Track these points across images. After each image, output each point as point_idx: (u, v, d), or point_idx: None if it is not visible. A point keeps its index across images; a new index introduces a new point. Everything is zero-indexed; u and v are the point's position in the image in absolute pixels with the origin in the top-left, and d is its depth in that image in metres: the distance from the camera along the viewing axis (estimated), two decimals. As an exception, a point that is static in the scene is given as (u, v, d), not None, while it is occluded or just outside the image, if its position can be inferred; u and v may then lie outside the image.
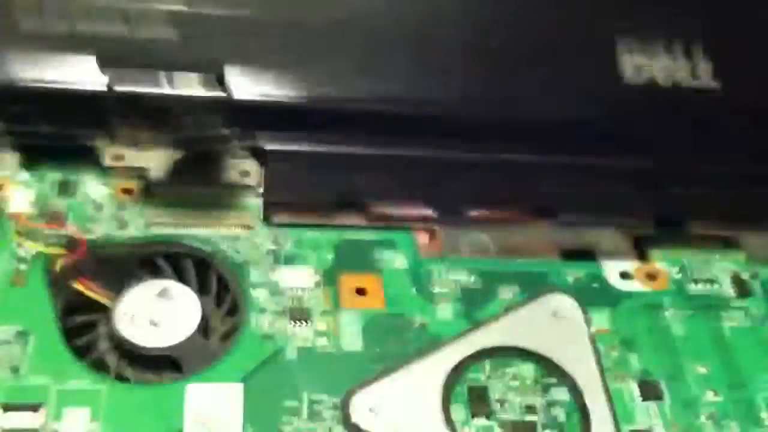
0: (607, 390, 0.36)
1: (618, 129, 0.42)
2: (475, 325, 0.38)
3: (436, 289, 0.40)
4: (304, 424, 0.34)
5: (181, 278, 0.40)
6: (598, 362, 0.37)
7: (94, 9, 0.42)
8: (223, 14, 0.42)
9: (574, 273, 0.41)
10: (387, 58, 0.43)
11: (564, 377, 0.37)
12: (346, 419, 0.34)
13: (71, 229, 0.40)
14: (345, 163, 0.43)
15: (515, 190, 0.42)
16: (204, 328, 0.38)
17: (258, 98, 0.43)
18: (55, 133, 0.43)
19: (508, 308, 0.39)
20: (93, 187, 0.42)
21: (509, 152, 0.42)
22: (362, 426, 0.34)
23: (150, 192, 0.42)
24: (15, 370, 0.35)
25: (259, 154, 0.43)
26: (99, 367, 0.37)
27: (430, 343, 0.37)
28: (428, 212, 0.43)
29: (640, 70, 0.42)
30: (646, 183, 0.42)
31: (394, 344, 0.37)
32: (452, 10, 0.43)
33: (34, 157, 0.43)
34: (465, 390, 0.36)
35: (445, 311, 0.39)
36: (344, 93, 0.42)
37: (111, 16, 0.42)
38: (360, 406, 0.35)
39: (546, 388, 0.37)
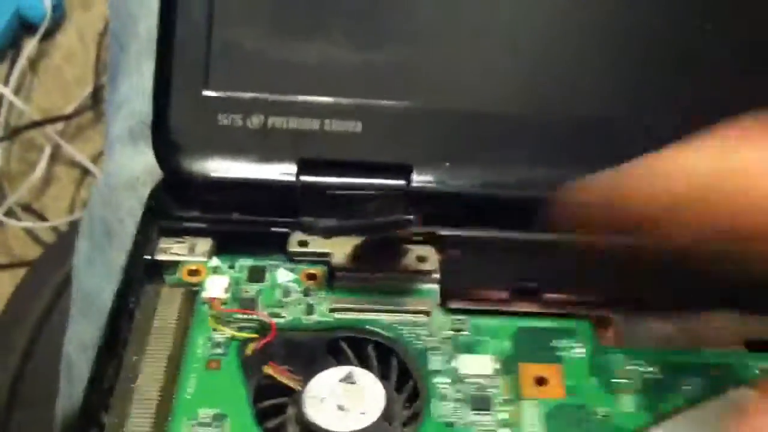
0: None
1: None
2: (658, 420, 0.38)
3: (617, 380, 0.39)
4: None
5: (363, 364, 0.41)
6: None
7: (286, 103, 0.45)
8: (406, 106, 0.45)
9: (761, 365, 0.40)
10: (556, 147, 0.44)
11: (756, 476, 0.36)
12: None
13: (261, 314, 0.42)
14: (520, 250, 0.43)
15: (696, 278, 0.42)
16: (388, 415, 0.39)
17: (437, 187, 0.44)
18: (247, 220, 0.46)
19: (693, 403, 0.38)
20: (280, 273, 0.44)
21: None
22: None
23: (332, 276, 0.44)
24: (210, 450, 0.37)
25: (435, 240, 0.45)
26: (289, 449, 0.38)
27: (613, 434, 0.37)
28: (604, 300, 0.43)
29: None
30: None
31: (577, 434, 0.37)
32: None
33: (225, 243, 0.46)
34: (652, 488, 0.36)
35: (628, 403, 0.39)
36: (521, 182, 0.43)
37: (302, 110, 0.45)
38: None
39: (737, 488, 0.36)
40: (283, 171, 0.45)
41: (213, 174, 0.46)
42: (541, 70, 0.45)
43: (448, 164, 0.45)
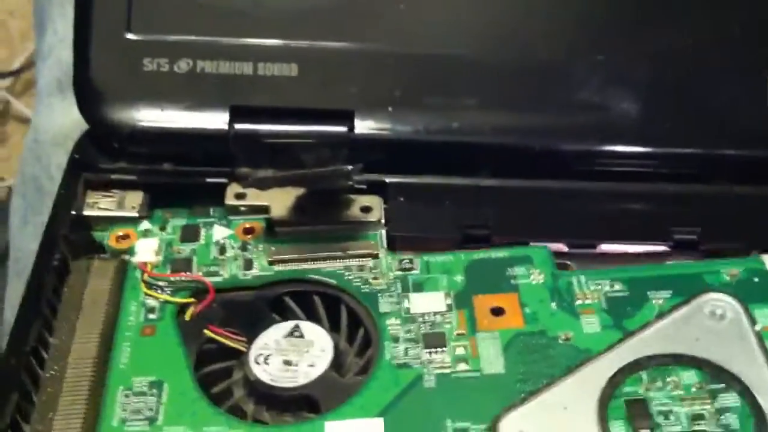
0: (784, 391, 0.33)
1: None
2: (627, 335, 0.35)
3: (579, 301, 0.37)
4: (450, 454, 0.32)
5: (311, 316, 0.39)
6: (768, 361, 0.34)
7: (216, 46, 0.42)
8: (346, 48, 0.42)
9: (731, 269, 0.38)
10: (512, 90, 0.41)
11: (733, 381, 0.33)
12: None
13: (197, 277, 0.40)
14: (470, 197, 0.41)
15: (654, 222, 0.39)
16: (338, 365, 0.36)
17: (380, 133, 0.42)
18: (179, 172, 0.43)
19: (661, 314, 0.36)
20: (216, 230, 0.42)
21: (647, 181, 0.40)
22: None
23: (272, 231, 0.42)
24: (152, 420, 0.34)
25: (380, 189, 0.42)
26: (236, 413, 0.35)
27: (578, 359, 0.35)
28: (559, 247, 0.40)
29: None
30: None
31: (539, 363, 0.35)
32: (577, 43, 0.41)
33: (157, 195, 0.43)
34: (622, 404, 0.33)
35: (593, 324, 0.36)
36: (467, 127, 0.41)
37: (233, 53, 0.42)
38: (510, 431, 0.32)
39: (714, 395, 0.33)
40: (214, 119, 0.42)
41: (140, 123, 0.43)
42: (486, 12, 0.42)
43: (391, 109, 0.42)
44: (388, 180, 0.42)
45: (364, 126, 0.42)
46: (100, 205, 0.43)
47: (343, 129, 0.42)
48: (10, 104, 0.70)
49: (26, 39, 0.74)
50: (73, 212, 0.42)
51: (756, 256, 0.38)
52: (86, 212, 0.42)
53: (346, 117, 0.42)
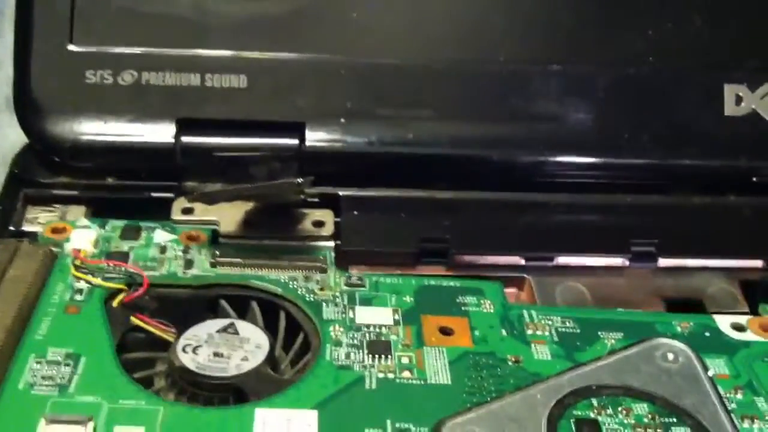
0: (736, 429, 0.31)
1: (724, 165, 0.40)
2: (579, 365, 0.34)
3: (530, 332, 0.36)
4: (389, 453, 0.30)
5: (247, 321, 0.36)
6: (722, 403, 0.32)
7: (162, 57, 0.42)
8: (296, 59, 0.42)
9: (682, 322, 0.37)
10: (468, 101, 0.41)
11: (687, 416, 0.32)
12: (438, 448, 0.30)
13: (132, 266, 0.37)
14: (426, 210, 0.40)
15: (610, 233, 0.39)
16: (273, 366, 0.34)
17: (332, 145, 0.41)
18: (123, 186, 0.42)
19: (614, 351, 0.35)
20: (157, 233, 0.40)
21: (603, 192, 0.40)
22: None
23: (218, 241, 0.40)
24: (63, 388, 0.31)
25: (333, 202, 0.41)
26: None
27: (528, 380, 0.33)
28: (516, 260, 0.39)
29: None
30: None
31: (487, 380, 0.33)
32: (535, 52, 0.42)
33: (101, 211, 0.41)
34: (572, 425, 0.31)
35: (543, 352, 0.35)
36: (423, 138, 0.41)
37: (180, 65, 0.41)
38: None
39: (667, 428, 0.32)
40: (160, 132, 0.41)
41: (82, 137, 0.41)
42: (441, 21, 0.43)
43: (343, 121, 0.41)
44: (341, 193, 0.41)
45: (315, 138, 0.41)
46: (39, 220, 0.41)
47: (294, 141, 0.41)
48: None
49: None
50: (11, 228, 0.40)
51: (708, 316, 0.38)
52: (25, 227, 0.41)
53: (296, 129, 0.41)
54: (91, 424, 0.29)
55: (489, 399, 0.32)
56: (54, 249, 0.38)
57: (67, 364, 0.32)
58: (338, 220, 0.40)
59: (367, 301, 0.36)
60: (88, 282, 0.36)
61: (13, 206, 0.41)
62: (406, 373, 0.33)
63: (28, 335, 0.33)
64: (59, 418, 0.29)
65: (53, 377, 0.31)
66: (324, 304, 0.36)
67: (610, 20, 0.43)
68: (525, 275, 0.39)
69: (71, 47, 0.42)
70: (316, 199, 0.41)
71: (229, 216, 0.41)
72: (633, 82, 0.42)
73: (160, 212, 0.41)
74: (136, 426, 0.30)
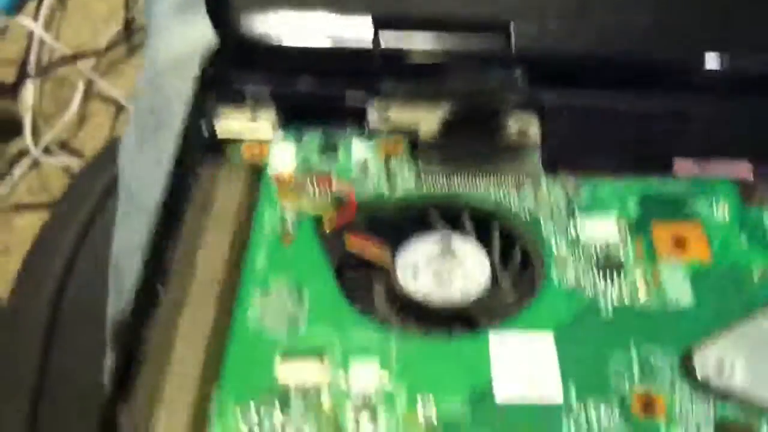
0: None
1: None
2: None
3: (775, 239, 0.33)
4: (637, 380, 0.28)
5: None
6: None
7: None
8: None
9: None
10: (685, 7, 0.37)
11: None
12: (689, 377, 0.28)
13: (338, 188, 0.36)
14: (641, 117, 0.37)
15: None
16: (495, 285, 0.33)
17: (540, 47, 0.38)
18: (318, 89, 0.40)
19: None
20: (357, 148, 0.38)
21: None
22: (714, 384, 0.27)
23: (418, 152, 0.38)
24: (293, 322, 0.31)
25: (539, 109, 0.38)
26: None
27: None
28: (746, 171, 0.36)
29: None
30: None
31: (733, 300, 0.31)
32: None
33: (294, 118, 0.40)
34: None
35: (793, 261, 0.32)
36: (636, 45, 0.37)
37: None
38: (708, 362, 0.28)
39: None
40: (358, 31, 0.39)
41: (276, 33, 0.39)
42: None
43: (554, 19, 0.38)
44: (547, 99, 0.38)
45: (521, 39, 0.38)
46: (232, 122, 0.40)
47: (497, 42, 0.38)
48: (94, 84, 0.68)
49: (110, 18, 0.73)
50: (204, 129, 0.39)
51: None
52: (217, 125, 0.39)
53: (500, 28, 0.38)
54: (327, 360, 0.29)
55: (738, 321, 0.29)
56: (254, 170, 0.37)
57: (293, 298, 0.31)
58: (545, 127, 0.38)
59: (587, 212, 0.34)
60: (296, 207, 0.35)
61: (204, 110, 0.40)
62: (643, 294, 0.31)
63: (247, 268, 0.33)
64: (295, 356, 0.29)
65: (280, 313, 0.31)
66: (541, 218, 0.34)
67: None
68: (757, 186, 0.35)
69: None
70: (521, 108, 0.38)
71: (427, 123, 0.39)
72: None
73: (353, 118, 0.39)
74: (371, 358, 0.29)
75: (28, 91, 0.67)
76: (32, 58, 0.69)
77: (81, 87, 0.69)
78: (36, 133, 0.66)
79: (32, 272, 0.44)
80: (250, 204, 0.36)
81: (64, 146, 0.67)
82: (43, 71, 0.70)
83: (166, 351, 0.30)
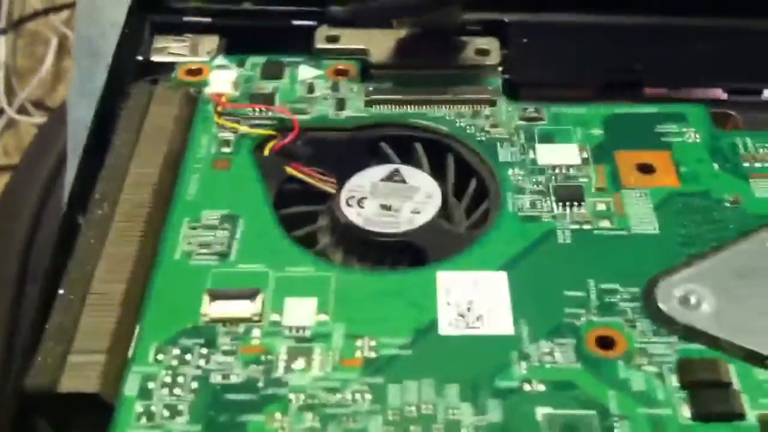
0: None
1: None
2: (810, 201, 0.29)
3: (747, 164, 0.30)
4: (595, 317, 0.26)
5: (412, 164, 0.32)
6: None
7: None
8: None
9: None
10: None
11: None
12: (651, 310, 0.26)
13: (280, 109, 0.33)
14: (611, 37, 0.34)
15: None
16: (446, 216, 0.30)
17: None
18: (260, 12, 0.37)
19: None
20: (302, 69, 0.35)
21: None
22: (678, 318, 0.25)
23: (369, 75, 0.35)
24: (223, 255, 0.28)
25: (498, 29, 0.36)
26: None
27: (752, 225, 0.28)
28: (718, 93, 0.34)
29: None
30: None
31: (702, 227, 0.28)
32: None
33: (236, 43, 0.37)
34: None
35: (765, 188, 0.29)
36: None
37: None
38: (673, 295, 0.26)
39: None
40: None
41: None
42: None
43: None
44: (507, 19, 0.35)
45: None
46: (170, 50, 0.37)
47: None
48: (68, 39, 0.65)
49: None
50: (139, 57, 0.36)
51: None
52: (154, 58, 0.36)
53: None
54: (260, 298, 0.26)
55: (708, 250, 0.27)
56: (192, 91, 0.34)
57: (224, 228, 0.29)
58: (505, 49, 0.35)
59: (547, 138, 0.32)
60: (233, 130, 0.33)
61: (139, 36, 0.37)
62: (605, 222, 0.28)
63: (178, 196, 0.30)
64: (224, 293, 0.27)
65: (211, 244, 0.28)
66: (498, 143, 0.32)
67: None
68: (730, 111, 0.33)
69: None
70: (478, 27, 0.35)
71: (379, 44, 0.36)
72: None
73: (300, 42, 0.36)
74: (309, 296, 0.27)
75: (0, 48, 0.64)
76: (3, 12, 0.66)
77: (54, 42, 0.65)
78: (10, 93, 0.64)
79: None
80: (184, 126, 0.33)
81: (40, 105, 0.65)
82: (15, 26, 0.66)
83: (86, 282, 0.28)
